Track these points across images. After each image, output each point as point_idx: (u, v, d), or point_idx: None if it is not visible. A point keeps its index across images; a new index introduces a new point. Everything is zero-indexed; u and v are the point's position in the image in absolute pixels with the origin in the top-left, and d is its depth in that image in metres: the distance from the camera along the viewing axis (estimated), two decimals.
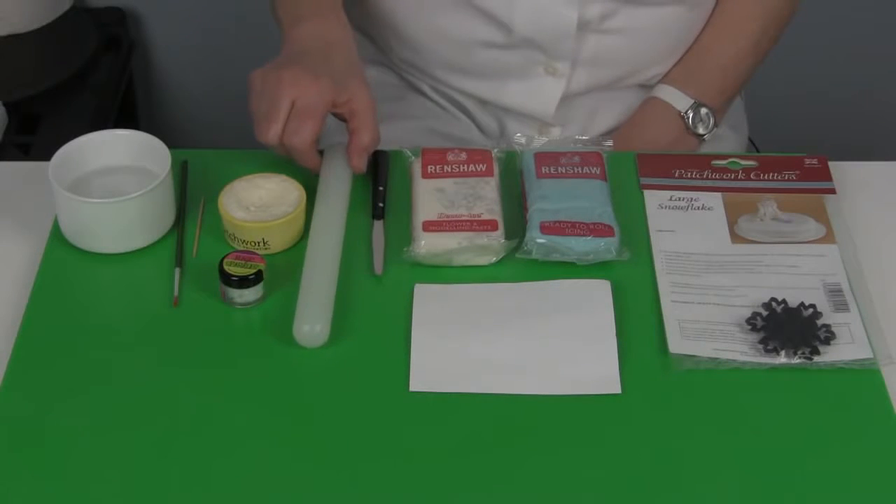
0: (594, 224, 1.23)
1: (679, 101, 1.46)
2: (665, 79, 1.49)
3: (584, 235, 1.22)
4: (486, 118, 1.53)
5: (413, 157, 1.31)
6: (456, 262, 1.23)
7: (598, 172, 1.28)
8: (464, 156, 1.30)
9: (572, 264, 1.22)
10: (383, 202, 1.29)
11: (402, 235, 1.25)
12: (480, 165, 1.29)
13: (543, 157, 1.30)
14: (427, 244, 1.22)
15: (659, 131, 1.47)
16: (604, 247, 1.22)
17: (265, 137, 1.24)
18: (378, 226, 1.26)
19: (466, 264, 1.23)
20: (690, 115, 1.46)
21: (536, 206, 1.24)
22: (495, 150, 1.31)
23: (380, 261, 1.22)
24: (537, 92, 1.47)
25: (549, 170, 1.28)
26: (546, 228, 1.22)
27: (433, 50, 1.48)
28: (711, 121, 1.46)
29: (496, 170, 1.29)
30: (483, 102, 1.52)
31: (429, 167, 1.29)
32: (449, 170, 1.29)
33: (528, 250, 1.22)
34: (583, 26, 1.41)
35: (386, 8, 1.46)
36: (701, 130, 1.46)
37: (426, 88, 1.54)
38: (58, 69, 2.09)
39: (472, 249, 1.22)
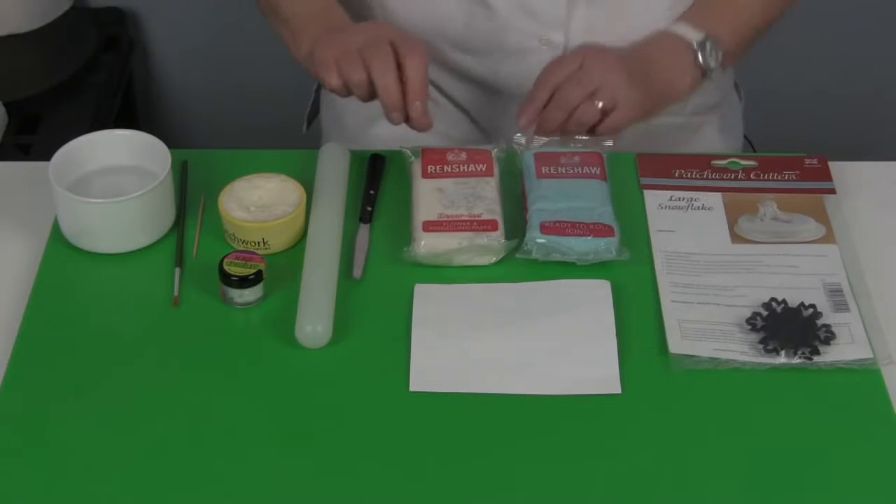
0: (594, 224, 1.23)
1: (690, 33, 1.40)
2: (678, 19, 1.43)
3: (584, 235, 1.22)
4: (485, 115, 1.53)
5: (413, 158, 1.31)
6: (456, 263, 1.23)
7: (597, 172, 1.28)
8: (464, 156, 1.30)
9: (572, 264, 1.22)
10: (372, 206, 1.29)
11: (401, 236, 1.25)
12: (480, 165, 1.29)
13: (543, 157, 1.30)
14: (427, 244, 1.22)
15: (666, 60, 1.40)
16: (604, 247, 1.22)
17: (384, 76, 1.25)
18: (364, 229, 1.26)
19: (466, 264, 1.23)
20: (703, 48, 1.39)
21: (536, 206, 1.24)
22: (495, 150, 1.31)
23: (360, 265, 1.22)
24: (535, 67, 1.44)
25: (549, 170, 1.28)
26: (546, 228, 1.22)
27: (424, 31, 1.45)
28: (719, 55, 1.40)
29: (496, 170, 1.29)
30: (481, 100, 1.51)
31: (429, 167, 1.29)
32: (449, 170, 1.29)
33: (528, 250, 1.22)
34: None
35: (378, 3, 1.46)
36: (712, 64, 1.39)
37: None
38: (58, 69, 2.09)
39: (472, 249, 1.22)
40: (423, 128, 1.27)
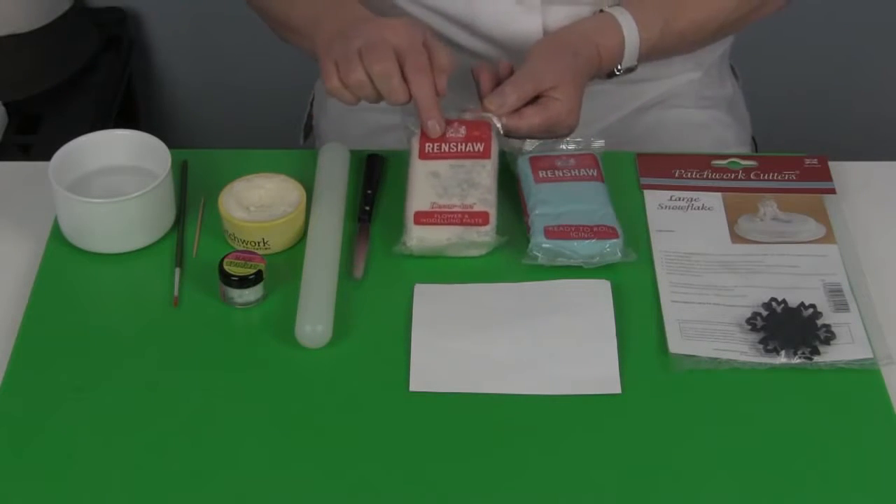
0: (597, 227, 1.22)
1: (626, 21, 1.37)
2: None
3: (588, 238, 1.21)
4: None
5: (415, 130, 1.28)
6: (448, 254, 1.23)
7: (594, 174, 1.28)
8: (462, 131, 1.28)
9: (578, 268, 1.22)
10: (370, 206, 1.28)
11: (401, 236, 1.24)
12: (478, 145, 1.27)
13: (539, 161, 1.29)
14: (418, 237, 1.22)
15: (594, 37, 1.36)
16: (609, 249, 1.21)
17: (388, 80, 1.22)
18: (363, 229, 1.26)
19: (459, 255, 1.23)
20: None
21: (538, 211, 1.24)
22: (495, 119, 1.28)
23: (360, 265, 1.22)
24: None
25: (547, 174, 1.28)
26: (550, 233, 1.22)
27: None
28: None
29: (493, 149, 1.27)
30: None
31: (426, 146, 1.27)
32: (447, 148, 1.27)
33: (534, 256, 1.22)
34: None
35: None
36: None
37: None
38: (58, 69, 2.09)
39: (462, 244, 1.22)
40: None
